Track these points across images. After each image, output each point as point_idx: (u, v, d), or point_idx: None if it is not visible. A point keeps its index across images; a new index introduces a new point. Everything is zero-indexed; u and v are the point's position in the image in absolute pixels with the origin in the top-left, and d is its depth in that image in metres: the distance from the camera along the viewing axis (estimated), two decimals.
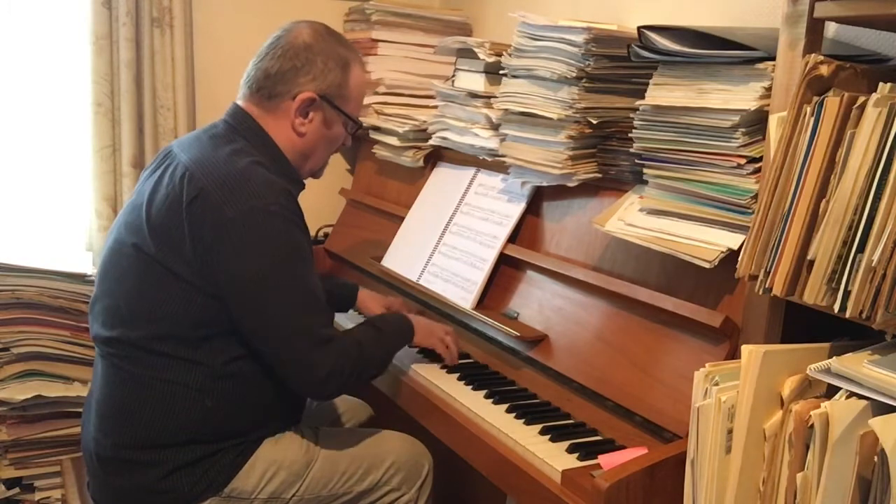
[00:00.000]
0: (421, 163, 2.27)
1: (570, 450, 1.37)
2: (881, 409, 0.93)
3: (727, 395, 1.07)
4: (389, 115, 2.41)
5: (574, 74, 1.61)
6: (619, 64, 1.61)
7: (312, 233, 2.59)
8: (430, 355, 1.80)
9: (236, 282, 1.44)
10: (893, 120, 0.95)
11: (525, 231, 1.88)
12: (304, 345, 1.47)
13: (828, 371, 1.00)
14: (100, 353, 1.58)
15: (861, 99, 0.99)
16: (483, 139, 1.96)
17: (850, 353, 1.02)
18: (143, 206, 1.51)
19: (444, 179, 2.19)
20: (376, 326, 1.66)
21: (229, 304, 1.45)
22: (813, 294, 1.01)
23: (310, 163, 1.68)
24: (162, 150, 1.67)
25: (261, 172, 1.49)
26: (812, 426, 0.96)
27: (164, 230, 1.47)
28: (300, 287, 1.47)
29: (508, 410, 1.53)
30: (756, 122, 1.28)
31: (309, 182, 1.72)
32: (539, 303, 1.75)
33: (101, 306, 1.57)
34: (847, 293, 0.97)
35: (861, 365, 0.97)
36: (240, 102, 1.63)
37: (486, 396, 1.59)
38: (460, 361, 1.78)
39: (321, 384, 1.49)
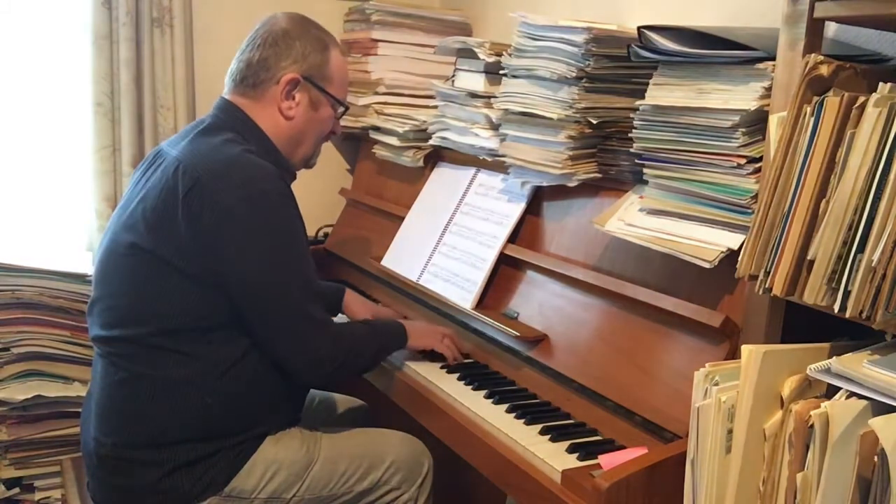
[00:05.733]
0: (421, 163, 2.27)
1: (570, 450, 1.37)
2: (881, 409, 0.93)
3: (727, 395, 1.07)
4: (389, 115, 2.41)
5: (574, 74, 1.61)
6: (619, 64, 1.61)
7: (312, 233, 2.63)
8: (430, 355, 1.79)
9: (237, 269, 1.46)
10: (893, 120, 0.95)
11: (525, 231, 1.88)
12: (305, 327, 1.52)
13: (828, 371, 1.00)
14: (99, 352, 1.58)
15: (861, 99, 0.99)
16: (483, 139, 1.96)
17: (850, 353, 1.02)
18: (137, 204, 1.52)
19: (444, 179, 2.18)
20: (368, 323, 1.74)
21: (231, 292, 1.47)
22: (813, 294, 1.01)
23: (301, 150, 1.69)
24: (152, 150, 1.68)
25: (253, 158, 1.51)
26: (812, 426, 0.96)
27: (161, 224, 1.47)
28: (299, 271, 1.52)
29: (508, 410, 1.53)
30: (756, 122, 1.28)
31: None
32: (539, 303, 1.75)
33: (100, 308, 1.57)
34: (847, 293, 0.97)
35: (861, 365, 0.97)
36: (226, 96, 1.65)
37: (487, 396, 1.59)
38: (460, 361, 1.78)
39: (318, 365, 1.54)
